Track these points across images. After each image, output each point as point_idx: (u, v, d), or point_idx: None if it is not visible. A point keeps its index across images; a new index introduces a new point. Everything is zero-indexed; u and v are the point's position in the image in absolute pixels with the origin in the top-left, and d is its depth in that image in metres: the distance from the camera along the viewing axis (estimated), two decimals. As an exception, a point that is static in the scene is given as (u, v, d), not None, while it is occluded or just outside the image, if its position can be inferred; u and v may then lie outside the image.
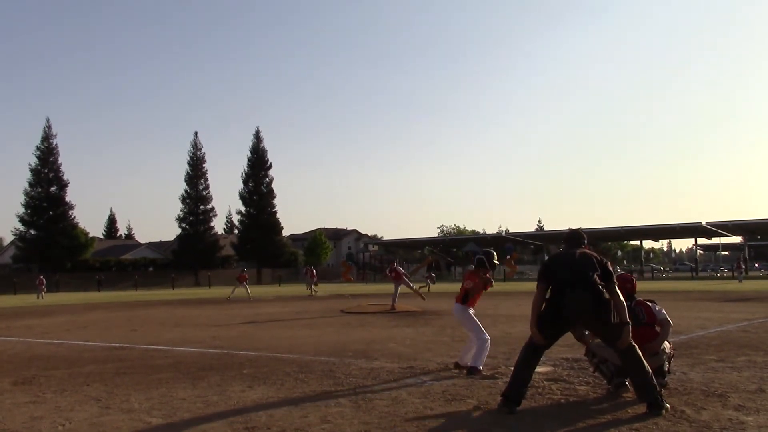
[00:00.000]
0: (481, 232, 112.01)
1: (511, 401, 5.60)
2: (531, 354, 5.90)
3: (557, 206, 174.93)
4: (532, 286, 7.45)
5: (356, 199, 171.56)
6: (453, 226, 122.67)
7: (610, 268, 6.01)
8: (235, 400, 6.37)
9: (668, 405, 5.51)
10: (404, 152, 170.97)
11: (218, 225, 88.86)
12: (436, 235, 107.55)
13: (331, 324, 15.83)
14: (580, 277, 5.78)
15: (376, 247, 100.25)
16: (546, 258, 6.22)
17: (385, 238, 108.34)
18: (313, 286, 35.83)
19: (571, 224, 63.27)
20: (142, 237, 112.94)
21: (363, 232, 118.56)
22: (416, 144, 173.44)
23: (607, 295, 5.74)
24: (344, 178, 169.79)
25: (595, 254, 6.18)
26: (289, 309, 23.20)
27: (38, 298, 40.03)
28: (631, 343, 5.74)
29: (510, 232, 79.20)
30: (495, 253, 8.27)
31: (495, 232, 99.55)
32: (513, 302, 22.31)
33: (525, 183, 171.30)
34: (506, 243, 65.56)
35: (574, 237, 6.44)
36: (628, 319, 5.75)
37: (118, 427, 5.32)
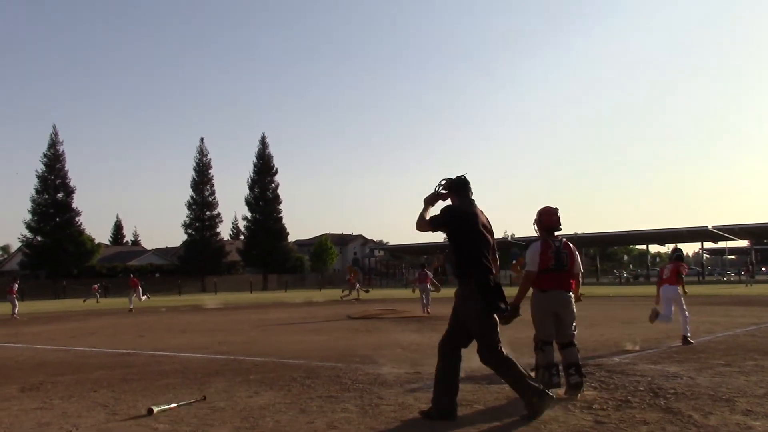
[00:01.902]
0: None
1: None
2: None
3: (563, 211, 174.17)
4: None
5: (362, 204, 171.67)
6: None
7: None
8: (242, 406, 6.37)
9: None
10: (410, 157, 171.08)
11: (224, 231, 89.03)
12: (442, 240, 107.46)
13: (338, 329, 15.83)
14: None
15: (381, 252, 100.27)
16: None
17: (391, 243, 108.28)
18: (355, 291, 35.43)
19: (577, 229, 63.11)
20: (149, 243, 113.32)
21: (369, 237, 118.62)
22: (422, 149, 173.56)
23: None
24: (350, 184, 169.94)
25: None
26: (297, 314, 23.21)
27: (96, 302, 43.32)
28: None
29: (516, 237, 78.97)
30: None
31: (500, 237, 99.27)
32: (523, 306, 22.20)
33: (530, 187, 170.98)
34: (512, 248, 65.44)
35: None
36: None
37: (126, 434, 5.33)
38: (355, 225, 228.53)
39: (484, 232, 5.73)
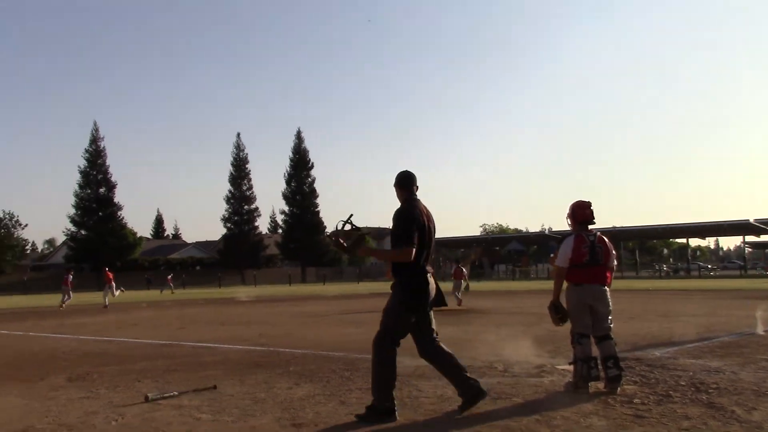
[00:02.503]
0: (524, 230, 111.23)
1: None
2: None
3: (603, 204, 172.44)
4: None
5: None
6: (495, 224, 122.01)
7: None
8: (282, 397, 6.45)
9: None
10: (445, 150, 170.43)
11: (262, 225, 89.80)
12: (479, 234, 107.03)
13: (376, 321, 15.78)
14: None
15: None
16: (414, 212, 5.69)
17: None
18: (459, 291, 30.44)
19: (616, 222, 62.47)
20: (189, 237, 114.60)
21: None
22: (457, 142, 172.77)
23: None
24: (386, 177, 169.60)
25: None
26: (335, 307, 23.35)
27: (171, 292, 45.86)
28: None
29: (553, 230, 78.29)
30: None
31: (538, 231, 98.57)
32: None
33: (569, 180, 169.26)
34: (550, 242, 64.98)
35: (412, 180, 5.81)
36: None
37: (169, 423, 5.44)
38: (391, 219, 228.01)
39: (428, 229, 5.65)
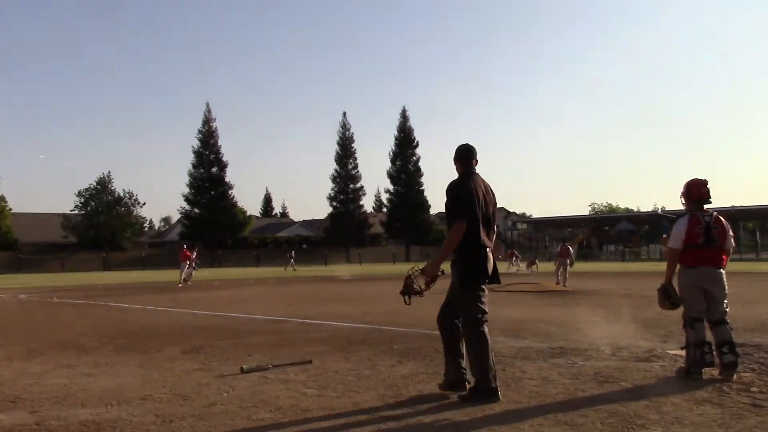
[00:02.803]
0: (635, 209, 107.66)
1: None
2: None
3: (720, 181, 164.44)
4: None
5: (504, 176, 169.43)
6: (605, 203, 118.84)
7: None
8: (386, 375, 6.52)
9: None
10: (552, 128, 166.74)
11: (367, 203, 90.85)
12: (587, 213, 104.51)
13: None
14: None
15: (524, 225, 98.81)
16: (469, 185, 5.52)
17: (534, 216, 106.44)
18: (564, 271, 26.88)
19: (735, 202, 59.33)
20: (296, 215, 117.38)
21: (511, 210, 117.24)
22: (564, 118, 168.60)
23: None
24: (491, 156, 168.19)
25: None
26: (438, 286, 23.35)
27: (293, 269, 47.20)
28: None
29: (667, 210, 75.42)
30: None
31: (650, 210, 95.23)
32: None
33: (683, 157, 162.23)
34: (663, 222, 62.68)
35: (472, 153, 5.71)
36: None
37: (277, 396, 5.61)
38: (497, 197, 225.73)
39: (485, 203, 5.53)
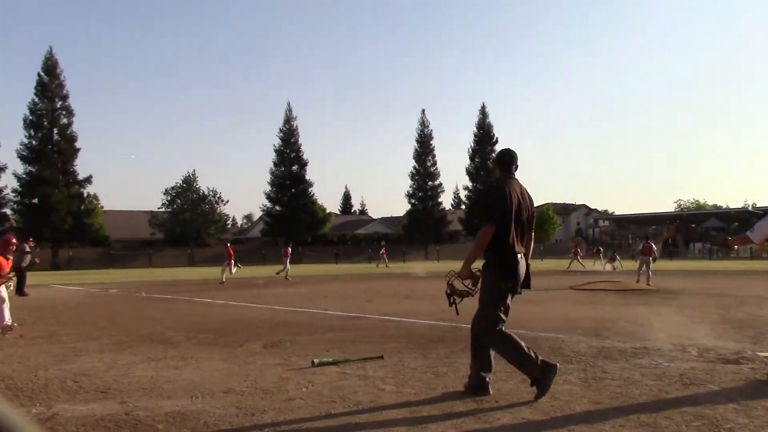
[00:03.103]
0: (724, 206, 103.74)
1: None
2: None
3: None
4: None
5: (586, 173, 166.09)
6: (692, 200, 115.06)
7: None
8: (463, 372, 6.48)
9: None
10: (629, 123, 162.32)
11: (446, 200, 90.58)
12: (673, 210, 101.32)
13: (560, 300, 15.57)
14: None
15: (606, 223, 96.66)
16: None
17: (616, 213, 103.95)
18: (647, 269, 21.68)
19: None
20: (375, 212, 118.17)
21: (592, 207, 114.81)
22: (648, 113, 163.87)
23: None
24: (572, 152, 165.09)
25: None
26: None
27: (386, 266, 47.35)
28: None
29: (757, 206, 72.39)
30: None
31: (740, 207, 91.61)
32: (763, 282, 20.42)
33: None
34: (752, 219, 60.20)
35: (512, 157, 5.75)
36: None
37: (355, 392, 5.66)
38: (578, 194, 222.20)
39: (519, 208, 5.48)
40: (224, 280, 26.57)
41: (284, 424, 4.71)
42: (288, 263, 30.00)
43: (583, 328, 9.99)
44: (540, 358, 5.40)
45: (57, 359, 7.77)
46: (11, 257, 10.51)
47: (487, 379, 5.55)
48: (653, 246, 21.56)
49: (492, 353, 5.61)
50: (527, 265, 5.62)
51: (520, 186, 5.66)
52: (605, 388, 5.67)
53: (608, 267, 36.28)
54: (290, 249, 30.69)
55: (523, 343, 5.50)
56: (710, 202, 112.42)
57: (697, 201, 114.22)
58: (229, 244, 29.10)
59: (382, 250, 51.89)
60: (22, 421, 0.65)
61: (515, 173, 5.74)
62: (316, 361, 7.04)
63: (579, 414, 4.84)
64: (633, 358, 7.25)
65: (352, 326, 10.80)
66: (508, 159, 5.75)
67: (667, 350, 7.73)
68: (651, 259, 20.92)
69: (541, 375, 5.32)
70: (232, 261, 27.23)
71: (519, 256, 5.49)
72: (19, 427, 0.65)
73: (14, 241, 10.62)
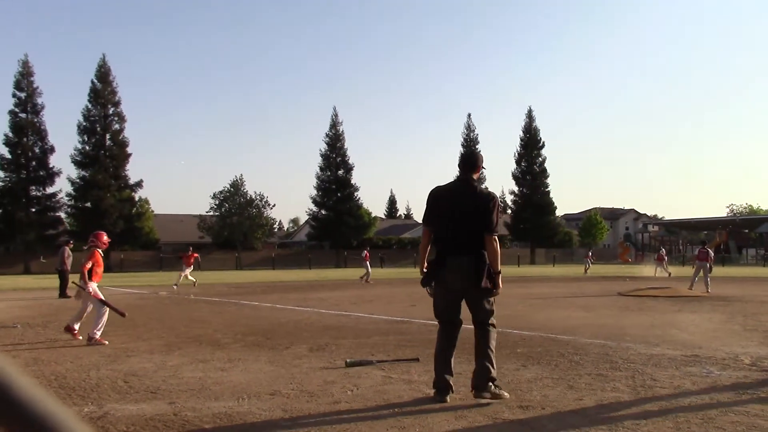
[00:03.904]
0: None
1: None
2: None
3: None
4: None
5: (634, 177, 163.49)
6: (745, 204, 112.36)
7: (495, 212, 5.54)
8: (510, 378, 6.46)
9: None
10: (679, 126, 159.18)
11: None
12: (725, 215, 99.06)
13: (608, 306, 15.34)
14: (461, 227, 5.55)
15: (656, 228, 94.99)
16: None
17: (666, 218, 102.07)
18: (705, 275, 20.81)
19: None
20: (420, 217, 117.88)
21: (641, 211, 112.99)
22: (696, 116, 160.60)
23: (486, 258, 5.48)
24: (619, 157, 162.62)
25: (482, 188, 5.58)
26: (564, 290, 22.88)
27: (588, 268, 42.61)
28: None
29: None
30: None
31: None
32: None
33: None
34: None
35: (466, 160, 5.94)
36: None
37: (400, 396, 5.67)
38: (626, 199, 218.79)
39: (454, 208, 5.61)
40: (177, 284, 25.25)
41: (329, 427, 4.74)
42: (369, 266, 30.66)
43: (631, 335, 9.84)
44: (448, 379, 5.57)
45: (108, 359, 7.95)
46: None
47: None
48: (710, 252, 21.03)
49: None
50: (471, 262, 5.57)
51: (457, 186, 5.78)
52: (654, 397, 5.57)
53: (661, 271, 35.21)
54: (368, 253, 31.41)
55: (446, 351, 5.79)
56: (764, 207, 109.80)
57: (751, 206, 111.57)
58: (191, 249, 27.51)
59: (589, 254, 50.18)
60: (74, 421, 0.68)
61: (471, 174, 5.84)
62: (348, 360, 7.29)
63: (627, 422, 4.76)
64: (683, 366, 7.12)
65: (397, 330, 10.80)
66: (460, 161, 5.98)
67: (719, 358, 7.57)
68: (708, 265, 20.43)
69: (436, 388, 5.55)
70: (191, 267, 26.23)
71: (451, 256, 5.59)
72: (70, 428, 0.67)
73: (106, 237, 10.77)
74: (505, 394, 5.49)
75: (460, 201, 5.66)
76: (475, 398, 5.42)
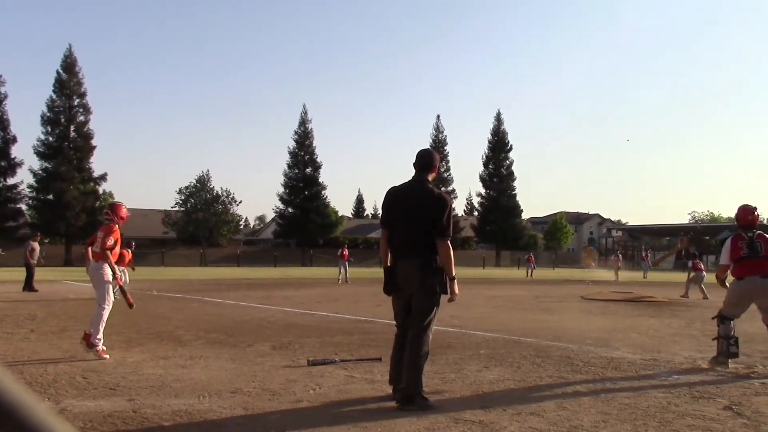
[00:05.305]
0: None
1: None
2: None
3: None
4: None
5: (599, 182, 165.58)
6: (706, 212, 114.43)
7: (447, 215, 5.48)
8: (472, 379, 6.48)
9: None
10: (645, 134, 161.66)
11: (458, 207, 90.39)
12: (687, 222, 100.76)
13: (570, 310, 15.51)
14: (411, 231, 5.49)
15: (620, 233, 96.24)
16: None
17: (629, 224, 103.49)
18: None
19: None
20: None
21: (606, 216, 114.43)
22: (661, 124, 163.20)
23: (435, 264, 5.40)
24: (585, 162, 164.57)
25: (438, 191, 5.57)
26: (528, 292, 23.07)
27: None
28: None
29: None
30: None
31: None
32: None
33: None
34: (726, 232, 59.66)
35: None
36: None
37: (362, 397, 5.66)
38: (591, 204, 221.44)
39: (406, 209, 5.58)
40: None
41: (290, 426, 4.71)
42: (347, 265, 29.84)
43: (592, 338, 9.95)
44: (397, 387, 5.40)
45: (67, 355, 7.82)
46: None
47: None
48: (699, 262, 22.02)
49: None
50: (417, 266, 5.49)
51: (407, 187, 5.76)
52: (614, 400, 5.64)
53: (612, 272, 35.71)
54: (346, 251, 30.49)
55: (399, 357, 5.55)
56: (725, 215, 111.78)
57: (712, 213, 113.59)
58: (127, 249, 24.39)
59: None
60: (49, 416, 0.66)
61: (426, 175, 5.86)
62: (311, 359, 7.28)
63: (586, 424, 4.81)
64: (642, 369, 7.22)
65: (361, 330, 10.79)
66: (415, 161, 5.87)
67: (677, 363, 7.69)
68: (704, 274, 21.06)
69: (393, 387, 5.49)
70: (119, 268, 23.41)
71: (399, 260, 5.57)
72: (44, 421, 0.65)
73: (125, 210, 8.99)
74: (435, 403, 5.30)
75: (412, 203, 5.56)
76: (399, 410, 5.20)
